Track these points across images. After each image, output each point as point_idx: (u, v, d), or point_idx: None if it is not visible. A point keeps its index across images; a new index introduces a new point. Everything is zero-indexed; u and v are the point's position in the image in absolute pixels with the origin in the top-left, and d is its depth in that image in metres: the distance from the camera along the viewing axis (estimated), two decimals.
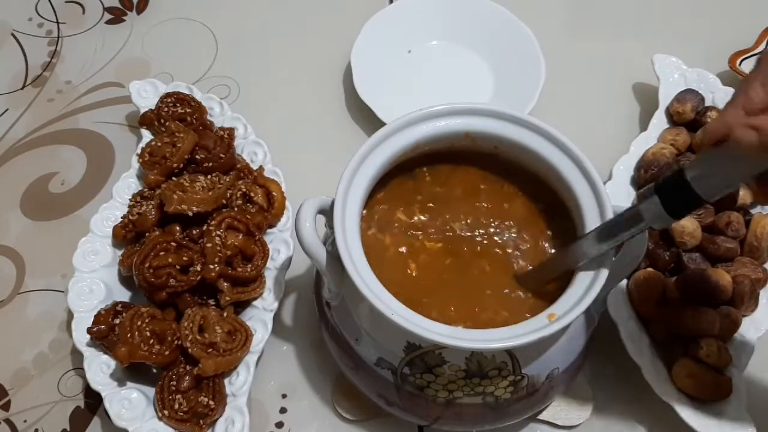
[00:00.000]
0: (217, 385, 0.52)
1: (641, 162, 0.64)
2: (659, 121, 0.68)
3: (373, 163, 0.46)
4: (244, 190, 0.60)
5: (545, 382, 0.46)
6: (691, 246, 0.57)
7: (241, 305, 0.57)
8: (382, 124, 0.51)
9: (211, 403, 0.51)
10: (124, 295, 0.58)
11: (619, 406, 0.56)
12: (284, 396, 0.57)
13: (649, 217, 0.39)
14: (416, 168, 0.51)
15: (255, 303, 0.57)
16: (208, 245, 0.54)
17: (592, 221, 0.44)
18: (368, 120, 0.70)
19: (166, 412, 0.51)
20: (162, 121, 0.65)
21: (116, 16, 0.81)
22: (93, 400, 0.56)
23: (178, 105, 0.66)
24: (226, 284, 0.55)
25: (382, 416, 0.55)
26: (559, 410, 0.55)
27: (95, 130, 0.72)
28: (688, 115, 0.66)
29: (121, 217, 0.60)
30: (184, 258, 0.55)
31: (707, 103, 0.68)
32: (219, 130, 0.65)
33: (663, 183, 0.39)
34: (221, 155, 0.62)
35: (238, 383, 0.53)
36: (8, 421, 0.56)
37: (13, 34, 0.79)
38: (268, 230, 0.61)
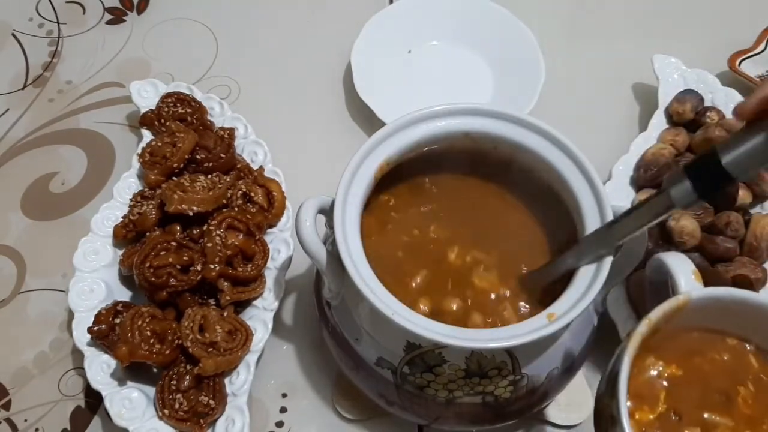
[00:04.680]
0: (217, 385, 0.52)
1: (641, 162, 0.64)
2: (659, 122, 0.68)
3: (373, 164, 0.46)
4: (245, 190, 0.60)
5: (545, 381, 0.46)
6: (690, 246, 0.57)
7: (242, 305, 0.57)
8: (382, 124, 0.51)
9: (211, 402, 0.51)
10: (124, 294, 0.58)
11: None
12: (284, 395, 0.57)
13: (678, 200, 0.38)
14: (419, 177, 0.51)
15: (255, 303, 0.57)
16: (209, 245, 0.54)
17: (591, 221, 0.45)
18: (368, 120, 0.70)
19: (166, 412, 0.51)
20: (162, 121, 0.65)
21: (117, 17, 0.81)
22: (93, 400, 0.57)
23: (178, 105, 0.66)
24: (226, 284, 0.55)
25: (382, 416, 0.55)
26: (559, 410, 0.55)
27: (96, 130, 0.72)
28: (688, 116, 0.67)
29: (122, 217, 0.60)
30: (185, 258, 0.55)
31: (707, 104, 0.68)
32: (219, 130, 0.65)
33: (694, 164, 0.37)
34: (221, 155, 0.62)
35: (239, 383, 0.53)
36: (9, 421, 0.56)
37: (13, 35, 0.79)
38: (269, 230, 0.61)
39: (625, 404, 0.37)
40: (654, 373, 0.42)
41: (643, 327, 0.40)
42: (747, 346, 0.43)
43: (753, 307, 0.41)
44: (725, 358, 0.42)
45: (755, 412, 0.40)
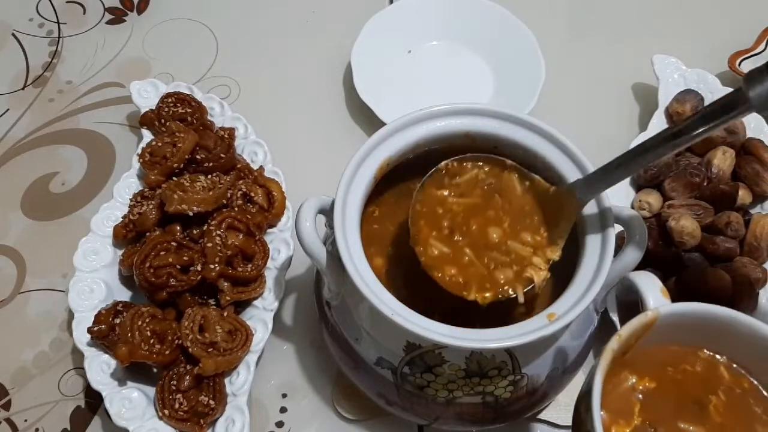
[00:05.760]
0: (217, 385, 0.52)
1: None
2: (659, 122, 0.68)
3: (373, 163, 0.46)
4: (245, 190, 0.60)
5: (545, 381, 0.46)
6: (690, 246, 0.57)
7: (242, 305, 0.57)
8: (382, 124, 0.51)
9: (211, 402, 0.51)
10: (124, 294, 0.58)
11: None
12: (284, 395, 0.57)
13: (757, 101, 0.34)
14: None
15: (255, 303, 0.57)
16: (209, 245, 0.54)
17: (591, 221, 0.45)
18: (368, 120, 0.70)
19: (166, 412, 0.51)
20: (162, 121, 0.65)
21: (117, 17, 0.81)
22: (93, 400, 0.57)
23: (178, 105, 0.66)
24: (226, 284, 0.55)
25: (382, 416, 0.55)
26: (559, 410, 0.55)
27: (96, 130, 0.72)
28: (688, 116, 0.66)
29: (122, 217, 0.60)
30: (185, 258, 0.55)
31: (706, 104, 0.68)
32: (219, 130, 0.65)
33: None
34: (221, 155, 0.62)
35: (239, 383, 0.53)
36: (9, 421, 0.56)
37: (13, 35, 0.79)
38: (269, 230, 0.61)
39: (599, 419, 0.37)
40: (628, 386, 0.42)
41: (614, 343, 0.40)
42: (719, 357, 0.43)
43: (721, 320, 0.41)
44: (698, 369, 0.43)
45: (727, 421, 0.41)
